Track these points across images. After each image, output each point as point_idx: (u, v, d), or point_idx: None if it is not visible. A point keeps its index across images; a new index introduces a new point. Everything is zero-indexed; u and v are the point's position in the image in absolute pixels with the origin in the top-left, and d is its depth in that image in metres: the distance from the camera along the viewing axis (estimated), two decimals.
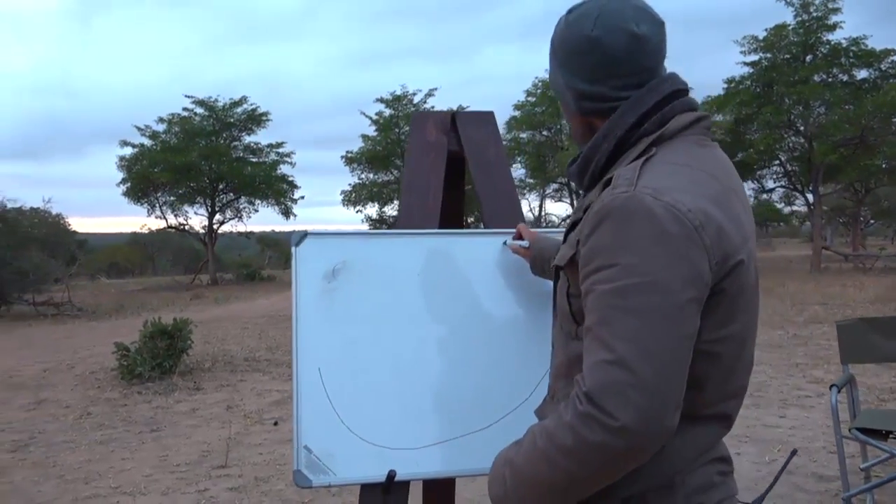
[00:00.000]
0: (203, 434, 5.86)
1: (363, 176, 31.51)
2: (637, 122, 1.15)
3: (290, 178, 30.92)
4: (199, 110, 28.79)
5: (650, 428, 0.96)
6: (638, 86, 1.16)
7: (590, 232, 1.07)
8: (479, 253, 1.82)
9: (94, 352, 10.57)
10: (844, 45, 23.66)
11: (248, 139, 30.41)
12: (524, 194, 34.21)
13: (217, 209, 30.29)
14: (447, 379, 1.77)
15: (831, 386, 3.37)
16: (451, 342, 1.78)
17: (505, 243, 1.83)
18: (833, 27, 23.54)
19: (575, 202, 32.47)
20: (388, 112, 29.87)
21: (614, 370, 0.97)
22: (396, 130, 29.77)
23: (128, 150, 28.04)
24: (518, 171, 31.85)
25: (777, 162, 26.52)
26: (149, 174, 27.14)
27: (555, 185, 33.19)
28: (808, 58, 24.27)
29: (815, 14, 23.46)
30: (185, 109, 28.67)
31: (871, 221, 42.12)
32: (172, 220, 30.26)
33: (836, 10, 23.30)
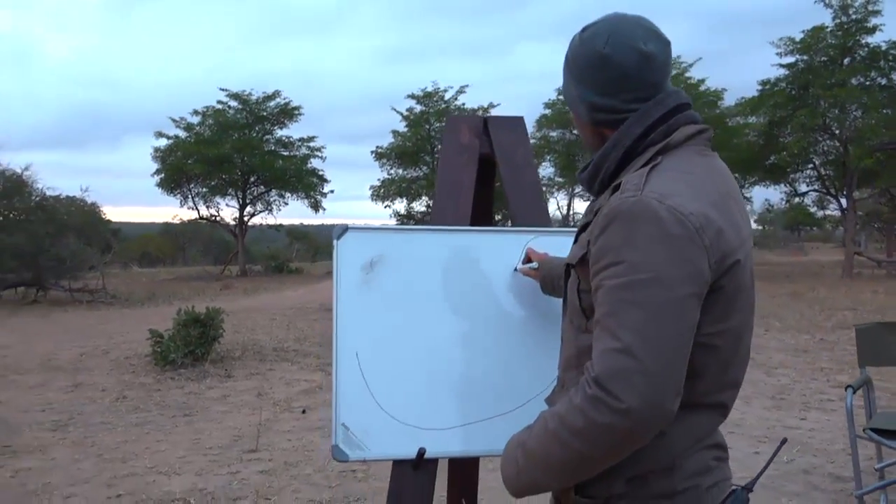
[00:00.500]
0: (234, 420, 6.05)
1: (392, 171, 31.65)
2: (644, 133, 1.26)
3: (321, 172, 31.17)
4: (233, 103, 29.14)
5: (653, 411, 1.07)
6: (645, 99, 1.26)
7: (600, 232, 1.18)
8: (506, 249, 1.95)
9: (128, 338, 10.87)
10: (884, 49, 23.26)
11: (280, 133, 30.69)
12: (553, 193, 34.10)
13: (248, 201, 30.67)
14: (473, 366, 1.90)
15: (847, 387, 3.44)
16: (478, 332, 1.91)
17: (515, 269, 1.94)
18: (873, 30, 23.14)
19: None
20: (418, 108, 29.96)
21: (621, 357, 1.08)
22: (427, 127, 29.83)
23: (163, 142, 28.47)
24: (547, 169, 31.73)
25: (811, 165, 26.16)
26: (182, 165, 27.55)
27: (577, 187, 33.03)
28: (846, 60, 23.90)
29: (854, 16, 23.09)
30: (219, 102, 29.02)
31: None
32: (204, 212, 30.68)
33: (876, 13, 22.91)
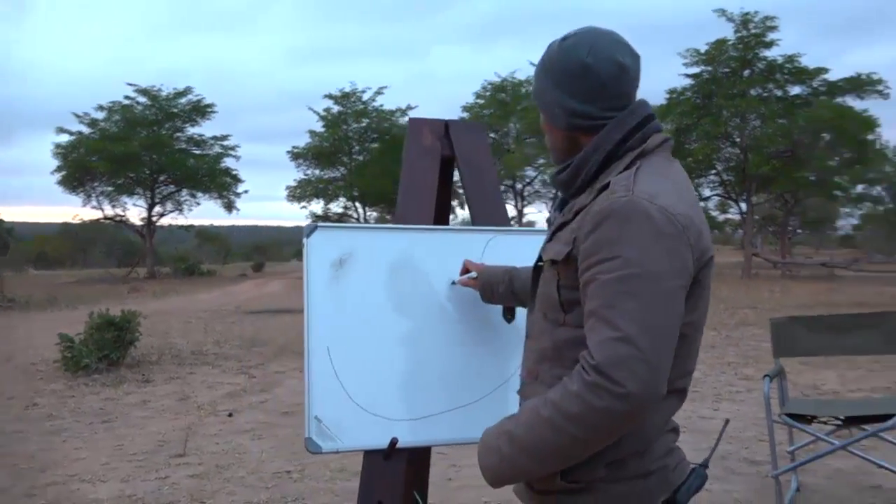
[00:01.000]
0: (157, 425, 5.88)
1: (309, 172, 31.28)
2: (623, 139, 1.36)
3: (234, 172, 30.52)
4: (142, 99, 28.16)
5: (650, 394, 1.16)
6: (619, 108, 1.36)
7: (592, 229, 1.26)
8: (467, 246, 2.03)
9: (32, 343, 10.34)
10: (780, 62, 24.79)
11: (191, 131, 29.90)
12: None
13: (157, 201, 29.65)
14: (441, 358, 1.97)
15: (765, 376, 3.71)
16: (444, 324, 1.98)
17: (454, 282, 1.99)
18: (770, 44, 24.65)
19: (516, 203, 32.85)
20: (336, 109, 29.72)
21: (621, 346, 1.16)
22: (344, 127, 29.63)
23: (65, 138, 27.20)
24: None
25: (714, 171, 27.54)
26: (86, 163, 26.39)
27: (501, 187, 33.53)
28: (746, 72, 25.33)
29: (753, 31, 24.51)
30: (126, 98, 28.00)
31: (799, 231, 44.00)
32: (109, 211, 29.48)
33: (773, 28, 24.40)
